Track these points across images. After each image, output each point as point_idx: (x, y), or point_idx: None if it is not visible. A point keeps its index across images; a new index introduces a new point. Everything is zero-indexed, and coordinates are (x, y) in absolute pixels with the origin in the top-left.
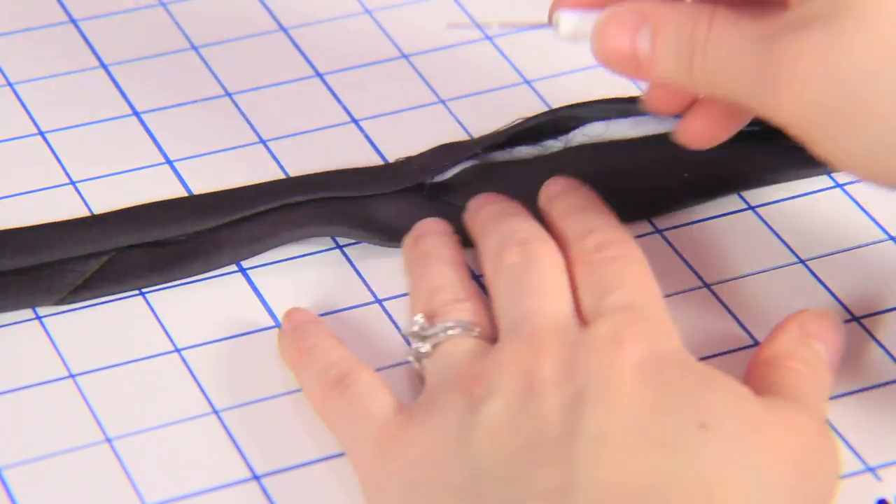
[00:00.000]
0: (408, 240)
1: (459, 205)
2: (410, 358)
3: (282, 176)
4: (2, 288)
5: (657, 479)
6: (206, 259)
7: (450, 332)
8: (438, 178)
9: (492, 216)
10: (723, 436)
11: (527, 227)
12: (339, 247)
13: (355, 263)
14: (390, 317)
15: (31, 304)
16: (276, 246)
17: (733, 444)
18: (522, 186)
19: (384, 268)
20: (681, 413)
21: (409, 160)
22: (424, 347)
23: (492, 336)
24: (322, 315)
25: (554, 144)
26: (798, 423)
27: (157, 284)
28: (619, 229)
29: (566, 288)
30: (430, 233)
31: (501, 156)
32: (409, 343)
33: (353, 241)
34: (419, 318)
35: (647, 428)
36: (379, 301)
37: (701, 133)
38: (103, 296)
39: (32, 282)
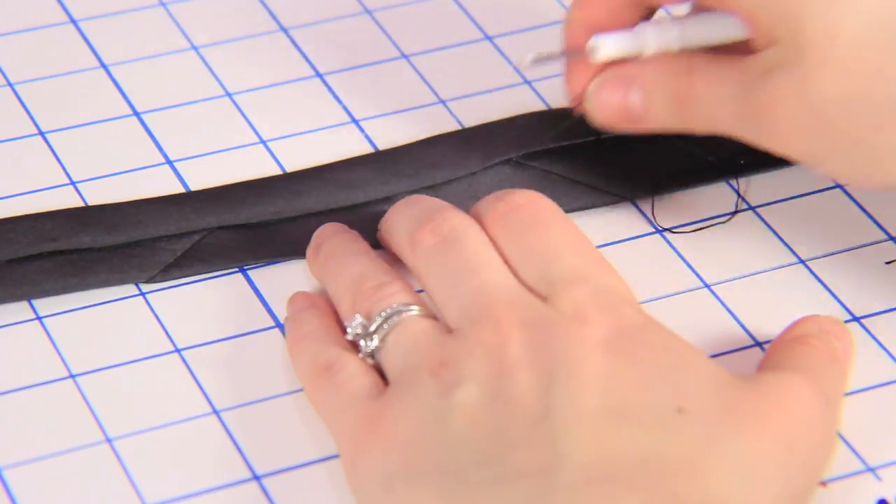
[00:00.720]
0: (310, 251)
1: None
2: (362, 356)
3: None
4: (93, 265)
5: (640, 455)
6: (297, 244)
7: (393, 319)
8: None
9: (396, 209)
10: (701, 419)
11: (429, 205)
12: None
13: None
14: None
15: (123, 282)
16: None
17: (713, 426)
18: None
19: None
20: (657, 396)
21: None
22: (373, 343)
23: (432, 313)
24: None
25: None
26: (789, 396)
27: (248, 264)
28: (526, 192)
29: (496, 256)
30: (329, 235)
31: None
32: (358, 346)
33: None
34: (357, 318)
35: (624, 408)
36: None
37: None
38: (194, 274)
39: (124, 259)
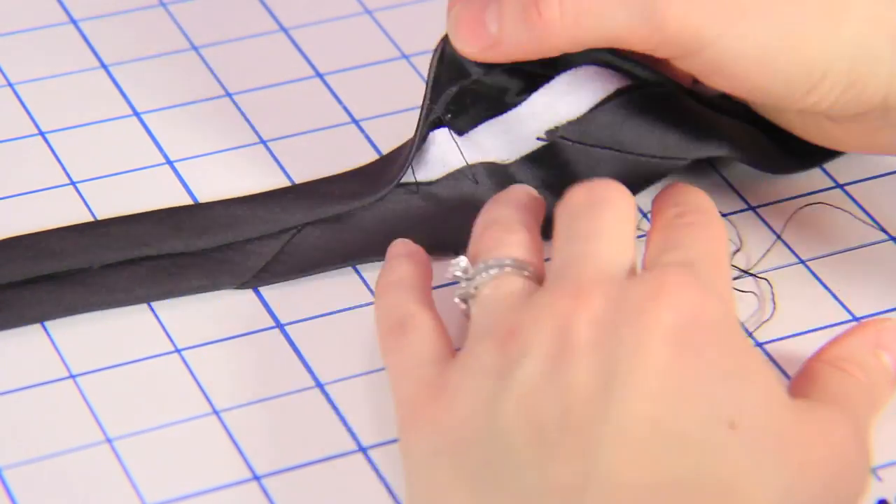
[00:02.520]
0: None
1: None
2: (457, 299)
3: (281, 176)
4: (186, 270)
5: (675, 480)
6: (380, 247)
7: (494, 270)
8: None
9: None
10: (751, 437)
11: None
12: None
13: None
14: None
15: (215, 288)
16: None
17: (760, 447)
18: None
19: None
20: (710, 407)
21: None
22: (468, 289)
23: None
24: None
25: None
26: (833, 431)
27: (339, 267)
28: (705, 201)
29: (630, 238)
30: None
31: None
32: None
33: None
34: (461, 260)
35: (673, 419)
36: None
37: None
38: (284, 279)
39: (216, 264)
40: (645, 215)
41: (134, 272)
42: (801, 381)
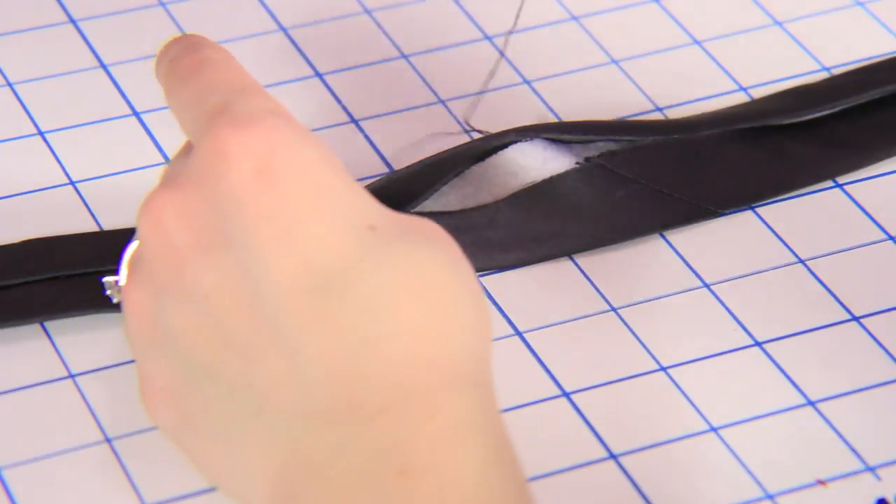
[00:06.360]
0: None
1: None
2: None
3: None
4: None
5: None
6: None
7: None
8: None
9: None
10: (390, 234)
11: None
12: None
13: None
14: None
15: None
16: None
17: (404, 239)
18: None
19: None
20: (348, 219)
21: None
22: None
23: None
24: None
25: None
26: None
27: (482, 271)
28: (186, 40)
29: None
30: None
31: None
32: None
33: None
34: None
35: (323, 255)
36: None
37: None
38: None
39: None
40: None
41: None
42: None
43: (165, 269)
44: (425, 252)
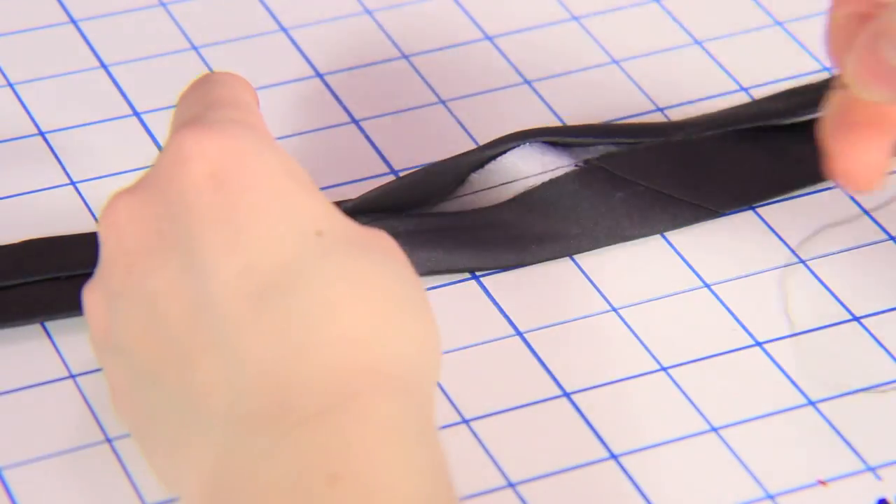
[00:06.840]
0: None
1: None
2: None
3: None
4: None
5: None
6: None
7: None
8: None
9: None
10: (339, 239)
11: None
12: None
13: None
14: None
15: None
16: None
17: (350, 245)
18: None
19: None
20: (296, 225)
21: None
22: None
23: None
24: None
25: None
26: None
27: (482, 271)
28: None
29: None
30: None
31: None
32: None
33: None
34: None
35: (267, 258)
36: None
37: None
38: None
39: None
40: None
41: None
42: None
43: (117, 271)
44: (370, 260)
